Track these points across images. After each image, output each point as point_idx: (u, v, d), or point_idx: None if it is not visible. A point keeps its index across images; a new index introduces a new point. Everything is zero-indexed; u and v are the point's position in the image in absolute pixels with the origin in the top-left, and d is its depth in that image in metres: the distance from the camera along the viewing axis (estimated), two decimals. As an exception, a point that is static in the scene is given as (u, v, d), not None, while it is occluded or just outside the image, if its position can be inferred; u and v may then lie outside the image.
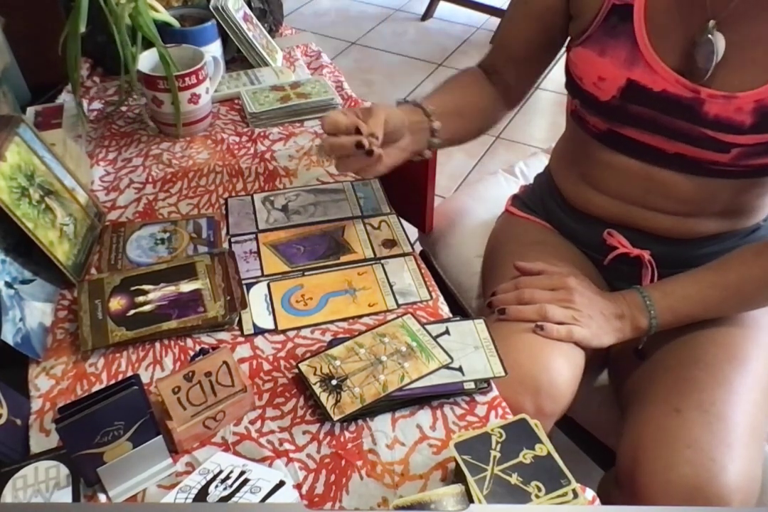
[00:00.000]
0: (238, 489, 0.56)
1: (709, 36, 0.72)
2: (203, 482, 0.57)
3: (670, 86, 0.75)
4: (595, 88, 0.80)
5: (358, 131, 0.72)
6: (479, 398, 0.69)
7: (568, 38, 0.85)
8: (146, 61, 0.99)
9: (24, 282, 0.75)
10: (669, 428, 0.75)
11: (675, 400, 0.77)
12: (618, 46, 0.77)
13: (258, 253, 0.85)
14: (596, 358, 0.88)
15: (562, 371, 0.77)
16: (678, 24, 0.74)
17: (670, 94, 0.76)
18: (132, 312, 0.74)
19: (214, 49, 1.09)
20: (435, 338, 0.72)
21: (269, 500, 0.56)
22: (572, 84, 0.84)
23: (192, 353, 0.72)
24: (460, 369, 0.69)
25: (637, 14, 0.75)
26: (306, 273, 0.82)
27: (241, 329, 0.75)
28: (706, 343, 0.82)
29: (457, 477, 0.59)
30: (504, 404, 0.68)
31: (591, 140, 0.86)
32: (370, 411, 0.66)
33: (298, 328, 0.76)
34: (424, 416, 0.67)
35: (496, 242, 1.04)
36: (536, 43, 0.88)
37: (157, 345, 0.73)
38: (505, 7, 2.73)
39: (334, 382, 0.67)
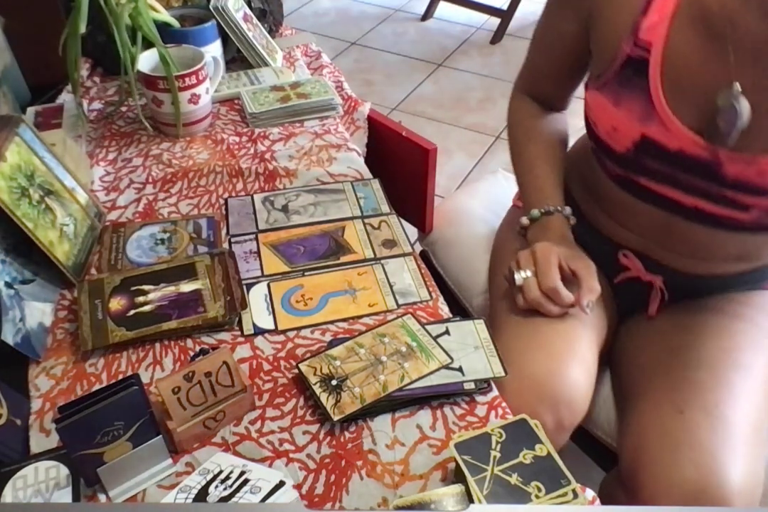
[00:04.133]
0: (238, 490, 0.56)
1: (733, 101, 0.67)
2: (203, 482, 0.57)
3: (686, 146, 0.71)
4: (609, 138, 0.77)
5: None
6: (479, 398, 0.69)
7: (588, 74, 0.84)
8: (146, 61, 0.99)
9: (24, 282, 0.75)
10: (672, 429, 0.74)
11: (678, 401, 0.76)
12: (632, 99, 0.73)
13: (258, 253, 0.85)
14: (599, 357, 0.88)
15: (579, 383, 0.76)
16: (697, 83, 0.70)
17: (686, 154, 0.72)
18: (132, 312, 0.74)
19: (214, 49, 1.09)
20: (435, 338, 0.72)
21: (269, 500, 0.56)
22: (588, 126, 0.82)
23: (192, 353, 0.72)
24: (460, 369, 0.69)
25: (653, 70, 0.71)
26: (306, 273, 0.82)
27: (241, 329, 0.75)
28: (710, 346, 0.81)
29: (457, 477, 0.59)
30: (504, 404, 0.68)
31: (608, 181, 0.83)
32: (370, 411, 0.66)
33: (298, 328, 0.75)
34: (424, 416, 0.67)
35: (504, 238, 1.02)
36: (566, 66, 0.87)
37: (157, 345, 0.73)
38: (505, 7, 2.75)
39: (334, 382, 0.67)
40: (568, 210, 0.86)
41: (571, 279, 0.79)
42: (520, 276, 0.79)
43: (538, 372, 0.75)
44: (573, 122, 0.98)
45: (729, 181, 0.72)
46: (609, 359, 0.94)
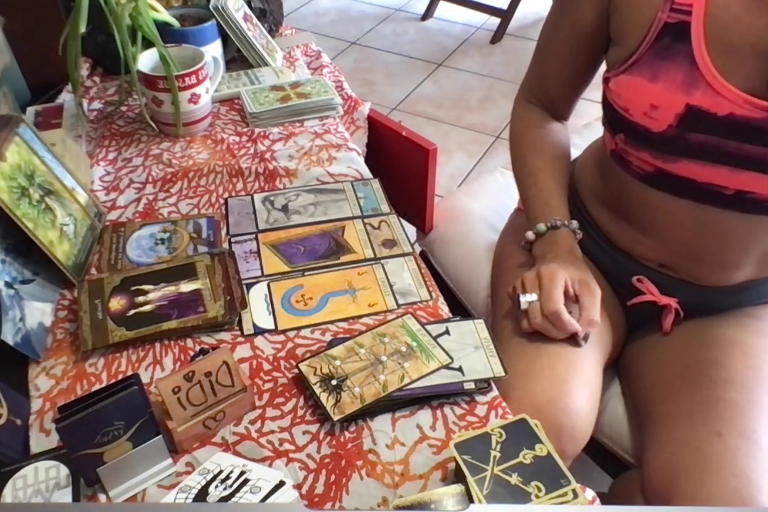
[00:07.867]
0: (238, 489, 0.56)
1: None
2: (203, 482, 0.57)
3: (737, 108, 0.67)
4: (646, 119, 0.73)
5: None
6: (479, 398, 0.69)
7: (604, 68, 0.80)
8: (146, 61, 0.99)
9: (24, 282, 0.75)
10: (712, 453, 0.72)
11: (714, 423, 0.74)
12: (672, 68, 0.70)
13: (258, 253, 0.85)
14: (606, 367, 0.86)
15: (582, 410, 0.74)
16: (746, 39, 0.66)
17: (737, 117, 0.68)
18: (132, 312, 0.74)
19: (214, 49, 1.09)
20: (435, 338, 0.72)
21: (269, 500, 0.56)
22: (616, 117, 0.77)
23: (192, 353, 0.72)
24: (460, 369, 0.69)
25: (695, 31, 0.68)
26: (306, 273, 0.82)
27: (241, 329, 0.75)
28: (736, 363, 0.79)
29: (457, 477, 0.59)
30: (504, 404, 0.68)
31: (636, 183, 0.80)
32: (370, 411, 0.66)
33: (298, 328, 0.75)
34: (424, 416, 0.67)
35: (508, 243, 0.99)
36: (577, 62, 0.85)
37: (157, 345, 0.73)
38: (505, 7, 2.75)
39: (334, 382, 0.67)
40: (574, 224, 0.85)
41: (575, 302, 0.78)
42: (525, 300, 0.77)
43: (540, 400, 0.73)
44: (573, 122, 0.97)
45: None
46: (619, 369, 0.92)
